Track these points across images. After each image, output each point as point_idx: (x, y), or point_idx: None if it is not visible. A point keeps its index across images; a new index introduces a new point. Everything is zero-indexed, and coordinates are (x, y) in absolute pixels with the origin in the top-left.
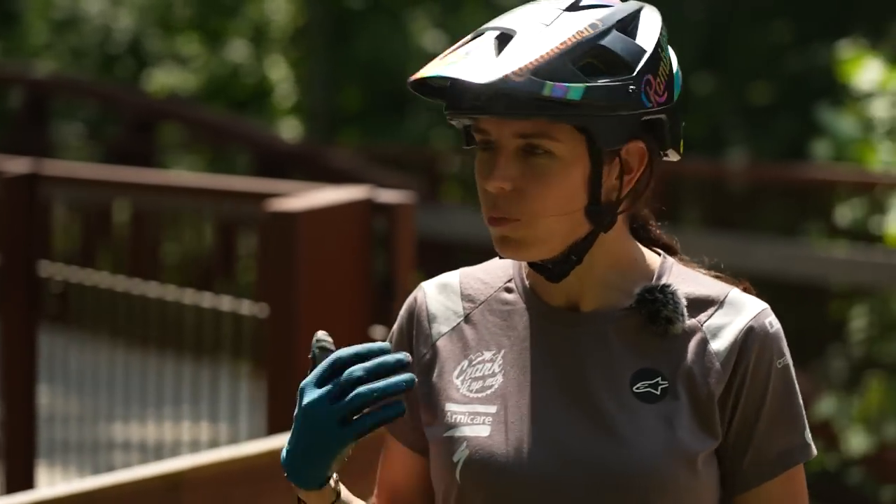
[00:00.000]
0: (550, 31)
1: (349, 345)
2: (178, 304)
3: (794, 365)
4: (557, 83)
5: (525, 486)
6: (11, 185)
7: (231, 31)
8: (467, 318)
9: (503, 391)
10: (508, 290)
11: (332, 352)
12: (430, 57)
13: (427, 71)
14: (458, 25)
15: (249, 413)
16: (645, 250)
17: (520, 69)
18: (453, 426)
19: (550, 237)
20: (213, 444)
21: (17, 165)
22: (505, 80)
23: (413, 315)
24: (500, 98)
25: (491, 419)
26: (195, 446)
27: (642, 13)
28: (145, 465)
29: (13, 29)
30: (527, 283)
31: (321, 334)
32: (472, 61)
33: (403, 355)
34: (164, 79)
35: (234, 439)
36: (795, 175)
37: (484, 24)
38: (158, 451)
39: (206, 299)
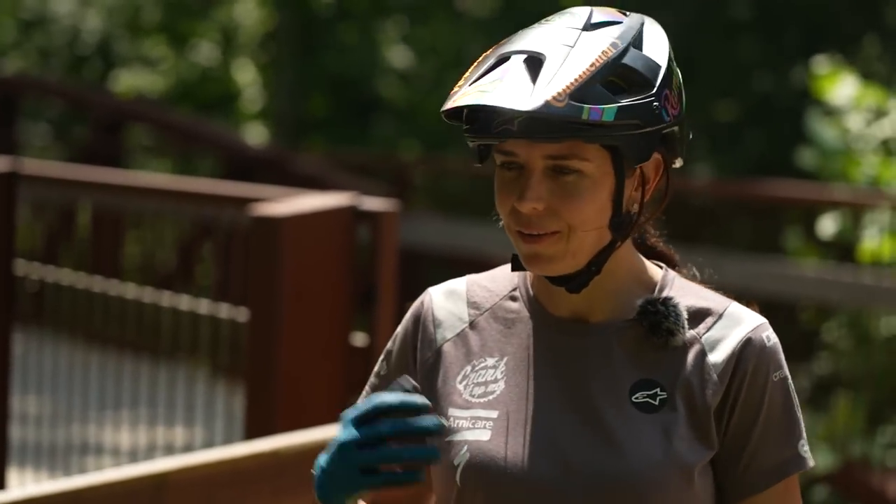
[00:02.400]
0: (577, 53)
1: (328, 352)
2: (155, 305)
3: None
4: (593, 106)
5: (523, 491)
6: None
7: (199, 34)
8: (472, 325)
9: (505, 397)
10: (513, 299)
11: (405, 389)
12: (397, 69)
13: (464, 99)
14: (425, 36)
15: (225, 417)
16: (647, 262)
17: (559, 94)
18: (454, 430)
19: (580, 250)
20: (189, 447)
21: None
22: (548, 106)
23: (419, 319)
24: (536, 123)
25: (492, 424)
26: (170, 450)
27: (645, 26)
28: (132, 465)
29: None
30: (531, 292)
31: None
32: (507, 87)
33: (439, 422)
34: (131, 81)
35: (209, 443)
36: (760, 192)
37: (451, 36)
38: (133, 455)
39: (184, 302)
